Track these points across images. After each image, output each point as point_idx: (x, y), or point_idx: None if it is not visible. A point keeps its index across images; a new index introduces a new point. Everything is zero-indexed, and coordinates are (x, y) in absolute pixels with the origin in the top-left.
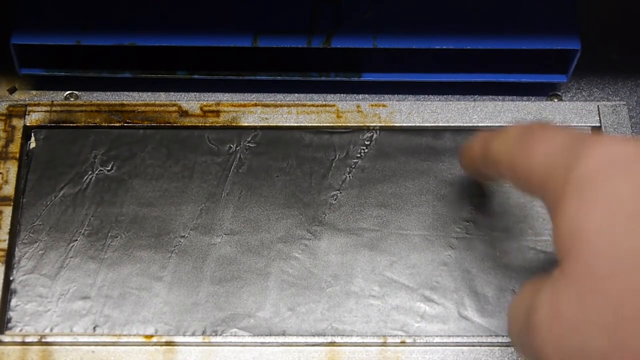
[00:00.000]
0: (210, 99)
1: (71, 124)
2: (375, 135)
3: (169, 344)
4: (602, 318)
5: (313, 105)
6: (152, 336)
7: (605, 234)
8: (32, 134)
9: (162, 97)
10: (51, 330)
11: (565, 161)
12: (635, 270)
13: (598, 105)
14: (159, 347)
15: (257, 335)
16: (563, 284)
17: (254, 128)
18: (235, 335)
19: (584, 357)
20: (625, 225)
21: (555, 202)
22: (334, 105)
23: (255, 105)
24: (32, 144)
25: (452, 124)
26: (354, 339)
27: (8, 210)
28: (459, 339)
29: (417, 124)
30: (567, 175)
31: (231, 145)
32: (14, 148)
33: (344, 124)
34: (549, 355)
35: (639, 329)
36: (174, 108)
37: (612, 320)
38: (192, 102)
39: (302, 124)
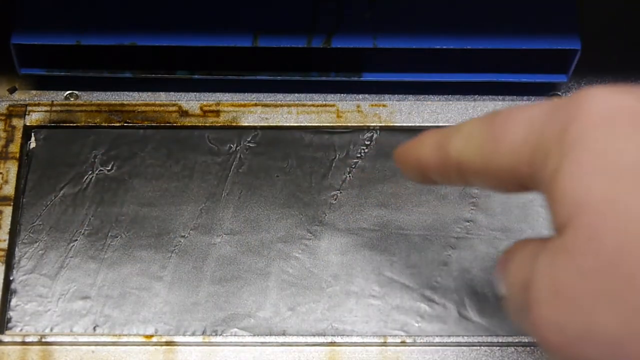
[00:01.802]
0: (210, 99)
1: (71, 124)
2: (375, 135)
3: (169, 343)
4: (612, 297)
5: (313, 105)
6: (152, 336)
7: (613, 202)
8: (32, 133)
9: (162, 97)
10: (51, 330)
11: (553, 127)
12: None
13: None
14: (159, 347)
15: (257, 335)
16: (564, 258)
17: (254, 128)
18: (235, 335)
19: (590, 340)
20: (636, 191)
21: (552, 172)
22: (334, 105)
23: (255, 105)
24: (32, 144)
25: (452, 124)
26: (354, 339)
27: (8, 210)
28: (459, 339)
29: (417, 124)
30: (561, 140)
31: (231, 145)
32: (14, 148)
33: (344, 124)
34: (548, 336)
35: None
36: (174, 108)
37: (627, 300)
38: (192, 102)
39: (302, 124)
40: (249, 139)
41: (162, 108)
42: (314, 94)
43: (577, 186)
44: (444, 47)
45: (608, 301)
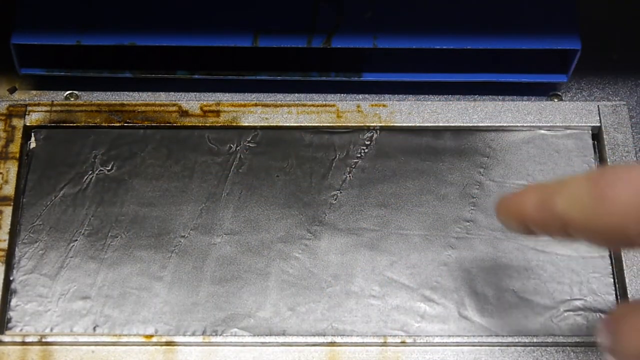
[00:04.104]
0: (210, 99)
1: (71, 124)
2: (375, 135)
3: (169, 344)
4: None
5: (313, 105)
6: (152, 336)
7: None
8: (32, 134)
9: (162, 97)
10: (51, 330)
11: None
12: None
13: (598, 105)
14: (159, 347)
15: (257, 335)
16: None
17: (254, 128)
18: (235, 335)
19: None
20: None
21: None
22: (334, 105)
23: (255, 105)
24: (32, 144)
25: (452, 124)
26: (354, 339)
27: (8, 210)
28: (459, 339)
29: (417, 124)
30: None
31: (231, 145)
32: (14, 148)
33: (344, 124)
34: None
35: None
36: (174, 108)
37: None
38: (192, 102)
39: (302, 124)
40: (249, 139)
41: (162, 108)
42: (314, 94)
43: None
44: (444, 47)
45: None
